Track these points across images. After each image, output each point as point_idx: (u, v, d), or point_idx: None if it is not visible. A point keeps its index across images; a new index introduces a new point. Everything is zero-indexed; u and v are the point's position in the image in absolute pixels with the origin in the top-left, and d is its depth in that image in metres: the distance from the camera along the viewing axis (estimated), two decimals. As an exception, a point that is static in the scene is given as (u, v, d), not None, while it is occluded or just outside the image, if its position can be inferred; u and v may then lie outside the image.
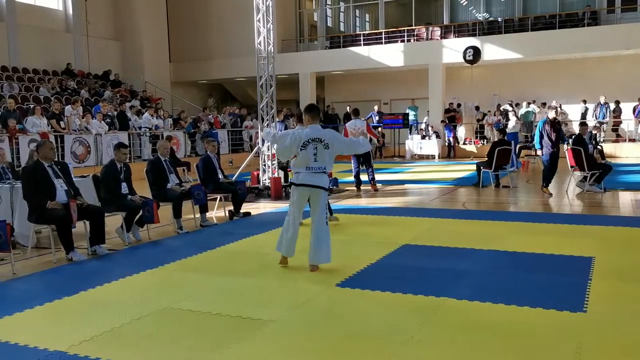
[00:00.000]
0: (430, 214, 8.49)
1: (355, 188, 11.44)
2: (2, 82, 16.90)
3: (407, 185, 12.44)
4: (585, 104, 20.16)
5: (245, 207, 8.96)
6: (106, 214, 6.51)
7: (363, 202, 10.31)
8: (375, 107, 21.25)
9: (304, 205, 5.48)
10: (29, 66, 19.07)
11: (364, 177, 11.51)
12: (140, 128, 16.60)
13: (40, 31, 19.81)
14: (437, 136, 20.17)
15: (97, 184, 7.16)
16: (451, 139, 20.08)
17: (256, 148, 12.38)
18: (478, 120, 21.23)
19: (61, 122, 14.37)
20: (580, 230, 7.08)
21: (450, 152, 20.10)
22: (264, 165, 11.29)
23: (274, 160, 11.04)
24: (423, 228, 7.40)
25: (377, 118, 20.39)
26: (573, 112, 20.61)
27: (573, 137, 11.05)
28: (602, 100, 19.34)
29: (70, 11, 20.97)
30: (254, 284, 5.05)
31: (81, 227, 6.40)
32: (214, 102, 21.86)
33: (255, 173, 11.45)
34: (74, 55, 20.76)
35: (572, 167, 10.54)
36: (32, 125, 13.42)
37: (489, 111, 21.12)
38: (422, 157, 20.10)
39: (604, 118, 19.23)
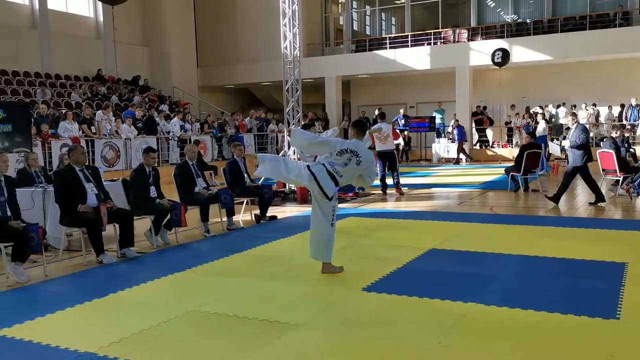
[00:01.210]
0: (457, 218, 8.39)
1: (381, 192, 11.39)
2: (35, 88, 17.33)
3: (433, 189, 12.33)
4: (595, 106, 19.71)
5: (272, 211, 9.01)
6: (135, 218, 6.61)
7: (389, 206, 10.25)
8: (402, 111, 21.14)
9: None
10: (61, 72, 19.50)
11: (389, 180, 11.45)
12: (168, 132, 16.84)
13: (71, 38, 20.24)
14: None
15: (126, 188, 7.30)
16: (460, 143, 19.18)
17: (282, 152, 12.42)
18: (507, 124, 20.93)
19: (92, 127, 14.64)
20: (612, 235, 6.92)
21: (459, 157, 19.20)
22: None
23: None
24: (450, 232, 7.32)
25: (402, 122, 20.27)
26: (603, 114, 20.15)
27: (604, 139, 10.82)
28: (634, 102, 18.89)
29: (101, 18, 21.37)
30: (280, 287, 5.06)
31: (111, 230, 6.50)
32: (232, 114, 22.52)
33: (281, 177, 11.47)
34: (104, 61, 21.15)
35: (604, 170, 10.32)
36: (64, 130, 13.68)
37: (509, 115, 20.82)
38: (449, 161, 19.92)
39: (635, 120, 18.75)
